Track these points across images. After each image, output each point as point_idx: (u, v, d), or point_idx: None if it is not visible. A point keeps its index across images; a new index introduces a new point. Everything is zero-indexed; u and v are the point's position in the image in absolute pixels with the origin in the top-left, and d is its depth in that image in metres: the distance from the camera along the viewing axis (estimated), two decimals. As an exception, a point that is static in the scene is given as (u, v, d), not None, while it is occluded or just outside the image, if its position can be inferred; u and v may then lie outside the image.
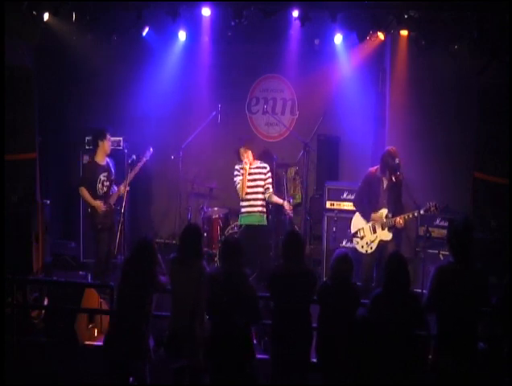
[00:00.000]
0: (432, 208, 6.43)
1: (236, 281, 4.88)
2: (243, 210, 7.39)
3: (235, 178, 7.32)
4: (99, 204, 7.00)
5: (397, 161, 6.79)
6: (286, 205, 7.34)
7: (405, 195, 6.71)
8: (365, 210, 6.77)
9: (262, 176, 7.31)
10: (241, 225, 7.49)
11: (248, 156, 7.25)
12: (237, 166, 7.33)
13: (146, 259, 5.04)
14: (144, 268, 5.02)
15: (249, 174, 7.24)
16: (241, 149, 7.27)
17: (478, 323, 4.73)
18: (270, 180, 7.36)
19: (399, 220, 6.52)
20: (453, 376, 4.60)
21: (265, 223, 7.43)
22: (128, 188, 7.23)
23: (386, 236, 6.67)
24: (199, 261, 5.11)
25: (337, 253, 5.07)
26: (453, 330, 4.60)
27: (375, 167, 6.75)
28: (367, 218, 6.74)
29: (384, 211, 6.65)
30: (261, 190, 7.31)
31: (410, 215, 6.53)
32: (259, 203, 7.32)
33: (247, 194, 7.27)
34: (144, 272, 5.02)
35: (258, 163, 7.34)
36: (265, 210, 7.43)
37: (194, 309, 5.02)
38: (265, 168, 7.33)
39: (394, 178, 6.62)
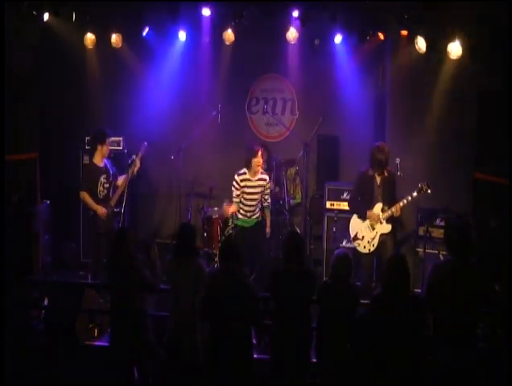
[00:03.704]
0: (424, 187, 6.47)
1: (235, 281, 4.88)
2: (241, 214, 7.25)
3: (233, 190, 7.16)
4: (101, 211, 6.96)
5: (397, 161, 6.82)
6: (268, 229, 7.33)
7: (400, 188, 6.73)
8: (359, 209, 6.83)
9: (260, 188, 7.14)
10: (236, 225, 7.38)
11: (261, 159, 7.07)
12: (236, 177, 7.10)
13: (122, 253, 5.06)
14: (122, 265, 5.04)
15: (251, 186, 7.10)
16: (260, 152, 7.04)
17: (477, 321, 4.74)
18: (267, 191, 7.23)
19: (395, 209, 6.56)
20: (452, 374, 4.60)
21: (259, 219, 7.30)
22: (134, 172, 7.17)
23: (386, 228, 6.70)
24: (196, 260, 5.13)
25: (337, 253, 5.08)
26: (452, 328, 4.61)
27: (366, 167, 6.79)
28: (363, 216, 6.78)
29: (379, 205, 6.69)
30: (260, 197, 7.18)
31: (405, 201, 6.56)
32: (256, 210, 7.23)
33: (245, 204, 7.16)
34: (125, 271, 5.04)
35: (259, 175, 7.15)
36: (259, 213, 7.29)
37: (193, 308, 5.04)
38: (264, 180, 7.17)
39: (386, 173, 6.67)
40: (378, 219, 6.66)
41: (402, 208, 6.61)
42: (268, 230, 7.35)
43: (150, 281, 5.11)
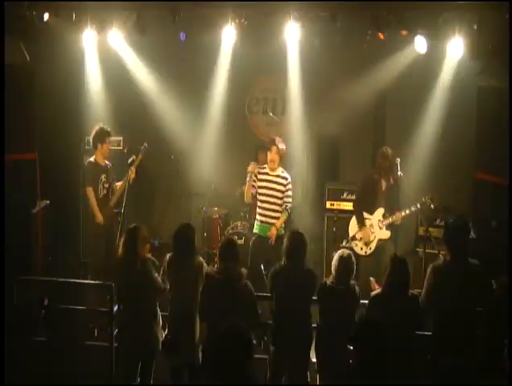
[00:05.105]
0: (428, 201, 6.46)
1: (233, 281, 4.89)
2: (259, 217, 6.89)
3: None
4: (99, 217, 6.95)
5: (397, 161, 6.81)
6: (274, 231, 6.68)
7: (402, 194, 6.73)
8: (359, 217, 6.82)
9: (280, 186, 6.74)
10: (254, 233, 6.94)
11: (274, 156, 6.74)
12: (258, 169, 6.82)
13: (132, 252, 5.05)
14: (132, 265, 5.04)
15: (269, 181, 6.77)
16: (274, 148, 6.71)
17: (476, 321, 4.73)
18: (288, 193, 6.76)
19: (396, 217, 6.55)
20: (451, 374, 4.61)
21: (281, 232, 6.71)
22: (133, 174, 7.04)
23: (385, 234, 6.70)
24: (195, 258, 5.13)
25: (339, 254, 5.08)
26: (451, 328, 4.61)
27: (373, 169, 6.80)
28: (360, 225, 6.80)
29: (381, 211, 6.69)
30: (279, 201, 6.75)
31: (407, 211, 6.56)
32: (278, 215, 6.74)
33: (260, 202, 6.83)
34: (134, 271, 5.04)
35: (278, 172, 6.82)
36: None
37: (193, 308, 5.04)
38: (285, 179, 6.77)
39: (391, 180, 6.65)
40: (369, 239, 6.70)
41: (403, 218, 6.61)
42: (273, 232, 6.62)
43: (158, 283, 5.11)
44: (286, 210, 6.77)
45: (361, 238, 6.79)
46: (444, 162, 7.83)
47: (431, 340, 4.81)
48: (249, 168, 6.77)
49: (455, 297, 4.61)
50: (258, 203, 6.88)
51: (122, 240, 5.20)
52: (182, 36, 7.48)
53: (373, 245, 6.74)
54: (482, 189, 7.25)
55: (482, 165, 7.32)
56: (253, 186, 6.85)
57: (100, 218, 6.95)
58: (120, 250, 5.16)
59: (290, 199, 6.81)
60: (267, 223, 6.78)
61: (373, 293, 4.95)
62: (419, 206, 6.53)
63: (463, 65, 7.20)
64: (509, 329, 4.72)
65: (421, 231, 7.34)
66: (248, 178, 6.79)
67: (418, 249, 7.41)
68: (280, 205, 6.76)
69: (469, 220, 4.89)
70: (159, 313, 5.22)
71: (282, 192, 6.76)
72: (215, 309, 4.85)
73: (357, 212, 6.90)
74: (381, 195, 6.72)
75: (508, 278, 4.82)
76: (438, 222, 7.29)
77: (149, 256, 5.23)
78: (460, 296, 4.61)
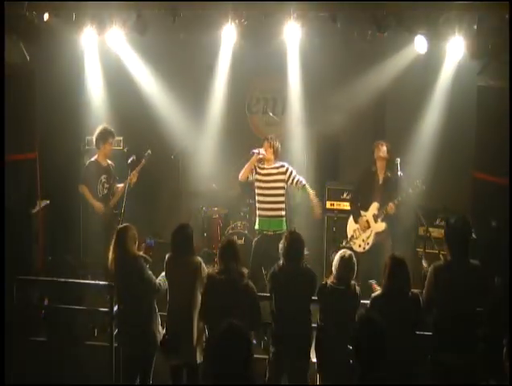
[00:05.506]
0: (417, 184, 6.53)
1: (234, 281, 4.89)
2: (261, 213, 6.91)
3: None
4: (99, 205, 6.97)
5: (397, 161, 6.83)
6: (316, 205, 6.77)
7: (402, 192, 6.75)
8: (354, 212, 6.95)
9: (282, 176, 6.85)
10: (257, 231, 6.98)
11: (267, 151, 6.86)
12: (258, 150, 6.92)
13: (123, 251, 5.09)
14: (126, 264, 5.05)
15: (268, 174, 6.89)
16: (266, 144, 6.90)
17: (477, 320, 4.74)
18: (293, 173, 6.86)
19: (390, 207, 6.59)
20: (452, 372, 4.61)
21: (283, 229, 6.78)
22: (135, 178, 7.08)
23: (380, 226, 6.77)
24: (193, 258, 5.14)
25: (340, 254, 5.08)
26: (451, 327, 4.61)
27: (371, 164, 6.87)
28: (355, 219, 6.94)
29: (375, 205, 6.74)
30: (282, 192, 6.88)
31: (400, 198, 6.62)
32: (281, 206, 6.84)
33: (259, 195, 6.96)
34: (129, 270, 5.06)
35: (275, 164, 6.93)
36: (285, 213, 6.93)
37: (191, 307, 5.04)
38: (283, 166, 6.89)
39: (389, 174, 6.73)
40: (366, 227, 6.74)
41: (397, 206, 6.66)
42: (319, 206, 6.75)
43: (152, 280, 5.12)
44: (305, 186, 6.85)
45: (358, 236, 6.86)
46: (444, 162, 7.83)
47: (431, 340, 4.81)
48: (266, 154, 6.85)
49: (455, 298, 4.61)
50: (257, 198, 6.94)
51: (112, 240, 5.21)
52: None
53: (370, 240, 6.79)
54: (482, 189, 7.25)
55: (482, 165, 7.32)
56: (254, 169, 6.90)
57: (99, 207, 6.97)
58: (110, 250, 5.17)
59: (299, 177, 6.87)
60: (266, 216, 6.84)
61: (374, 294, 4.95)
62: (410, 190, 6.59)
63: (463, 65, 7.19)
64: (509, 329, 4.72)
65: (421, 231, 7.34)
66: (256, 151, 6.82)
67: (418, 249, 7.41)
68: (281, 195, 6.84)
69: (470, 220, 4.89)
70: (157, 312, 5.22)
71: (287, 180, 6.84)
72: (217, 309, 4.85)
73: (353, 205, 6.98)
74: (378, 189, 6.79)
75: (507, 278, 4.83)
76: (438, 222, 7.29)
77: (140, 253, 5.24)
78: (460, 296, 4.61)
